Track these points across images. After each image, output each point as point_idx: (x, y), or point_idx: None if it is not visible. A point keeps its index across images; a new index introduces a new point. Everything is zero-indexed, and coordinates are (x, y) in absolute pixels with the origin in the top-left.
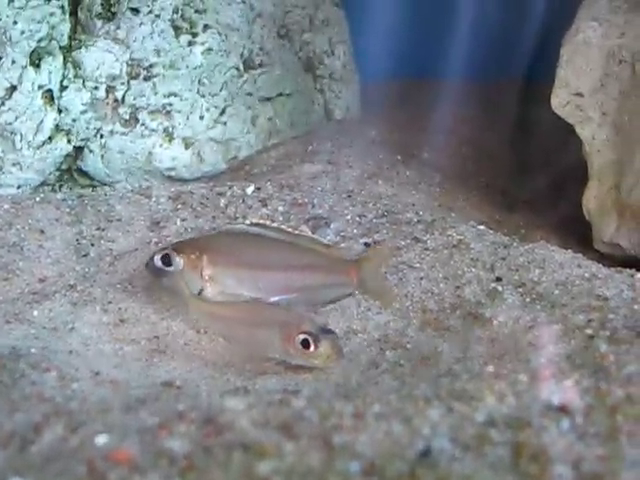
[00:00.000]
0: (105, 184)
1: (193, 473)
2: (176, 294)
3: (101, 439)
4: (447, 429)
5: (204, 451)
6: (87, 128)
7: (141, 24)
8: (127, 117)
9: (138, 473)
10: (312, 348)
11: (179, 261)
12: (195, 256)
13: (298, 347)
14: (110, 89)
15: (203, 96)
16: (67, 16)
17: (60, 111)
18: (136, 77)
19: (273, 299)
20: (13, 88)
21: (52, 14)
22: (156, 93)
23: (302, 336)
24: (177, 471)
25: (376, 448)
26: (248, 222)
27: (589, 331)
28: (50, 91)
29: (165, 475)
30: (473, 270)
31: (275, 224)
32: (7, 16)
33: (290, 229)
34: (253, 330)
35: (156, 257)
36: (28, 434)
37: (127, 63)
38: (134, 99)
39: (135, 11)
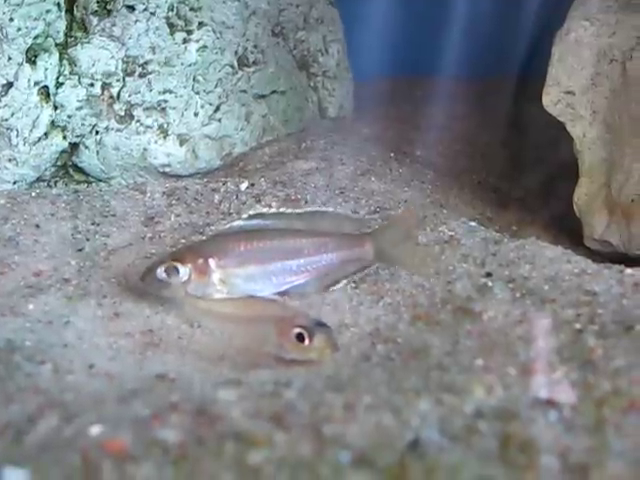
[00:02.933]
0: (100, 180)
1: (186, 462)
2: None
3: (95, 429)
4: (436, 420)
5: (197, 441)
6: (83, 124)
7: (136, 21)
8: (122, 114)
9: (132, 462)
10: (307, 342)
11: (186, 270)
12: (201, 262)
13: (293, 341)
14: (106, 86)
15: (198, 93)
16: (63, 13)
17: (56, 107)
18: (131, 74)
19: (286, 287)
20: (9, 85)
21: (48, 11)
22: (151, 90)
23: (297, 330)
24: (170, 460)
25: (366, 439)
26: (245, 216)
27: (578, 325)
28: (46, 87)
29: (158, 464)
30: (464, 265)
31: (273, 210)
32: (3, 13)
33: (290, 210)
34: (249, 325)
35: (159, 270)
36: (23, 425)
37: (122, 60)
38: (129, 96)
39: (130, 8)
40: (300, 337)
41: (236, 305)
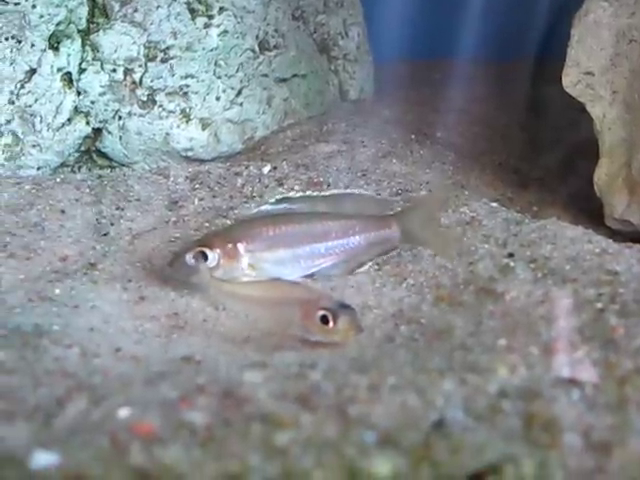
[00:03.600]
0: (123, 165)
1: (213, 444)
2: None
3: (123, 412)
4: (460, 400)
5: (224, 423)
6: (105, 110)
7: (158, 7)
8: (145, 99)
9: (160, 444)
10: (331, 324)
11: (214, 256)
12: (230, 247)
13: (317, 323)
14: (128, 71)
15: (219, 77)
16: (85, 0)
17: (79, 93)
18: (153, 59)
19: (314, 270)
20: (32, 71)
21: None
22: (173, 75)
23: (321, 312)
24: (197, 442)
25: (391, 419)
26: (272, 200)
27: (599, 305)
28: (69, 74)
29: (186, 446)
30: (486, 246)
31: (299, 193)
32: (26, 0)
33: (316, 193)
34: (273, 308)
35: (187, 255)
36: (52, 408)
37: (144, 45)
38: (152, 81)
39: None
40: (324, 319)
41: (261, 288)
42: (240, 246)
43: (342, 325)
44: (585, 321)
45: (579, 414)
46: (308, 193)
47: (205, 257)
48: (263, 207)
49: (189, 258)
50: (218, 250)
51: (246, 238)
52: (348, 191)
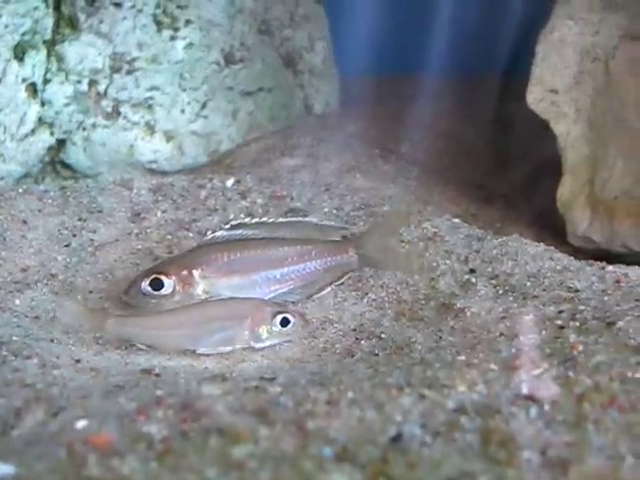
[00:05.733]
0: (87, 176)
1: (170, 457)
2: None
3: (81, 424)
4: (418, 416)
5: (181, 435)
6: (70, 121)
7: (124, 18)
8: (109, 110)
9: (117, 456)
10: (291, 325)
11: (170, 283)
12: (185, 274)
13: (276, 326)
14: (93, 83)
15: (184, 90)
16: (51, 10)
17: (43, 104)
18: (118, 71)
19: (270, 296)
20: None
21: (36, 8)
22: (138, 87)
23: (281, 316)
24: (155, 455)
25: (349, 433)
26: (227, 226)
27: (560, 322)
28: (34, 84)
29: (143, 458)
30: (447, 262)
31: (255, 220)
32: None
33: (272, 219)
34: (215, 324)
35: (143, 283)
36: (9, 419)
37: (110, 57)
38: (116, 92)
39: (118, 5)
40: (285, 321)
41: (194, 309)
42: (195, 272)
43: (297, 323)
44: (545, 338)
45: (537, 431)
46: (263, 219)
47: (161, 284)
48: (218, 233)
49: (145, 286)
50: (174, 277)
51: (201, 265)
52: (304, 219)
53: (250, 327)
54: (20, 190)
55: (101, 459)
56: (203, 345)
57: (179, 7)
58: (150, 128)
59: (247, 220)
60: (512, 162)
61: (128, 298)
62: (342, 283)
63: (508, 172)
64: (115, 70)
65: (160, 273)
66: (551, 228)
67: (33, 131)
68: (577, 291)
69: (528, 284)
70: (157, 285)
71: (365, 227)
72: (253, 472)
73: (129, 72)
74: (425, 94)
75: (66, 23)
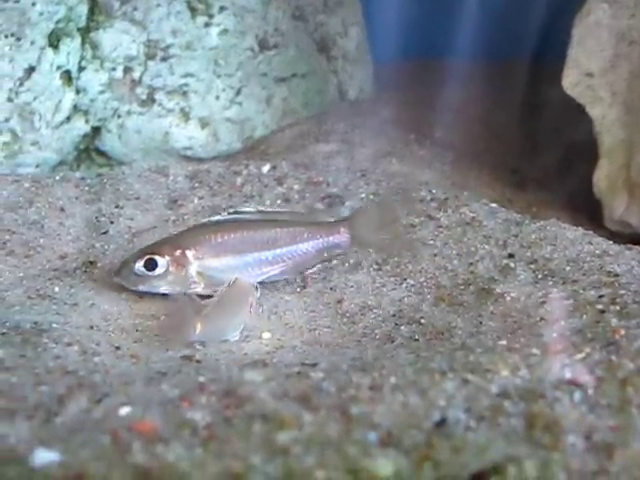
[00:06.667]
0: (122, 163)
1: (215, 443)
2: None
3: (124, 410)
4: (462, 400)
5: (225, 422)
6: (105, 108)
7: (158, 5)
8: (144, 97)
9: (161, 443)
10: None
11: (164, 263)
12: (178, 254)
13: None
14: (127, 70)
15: (219, 77)
16: None
17: (78, 91)
18: (153, 58)
19: (262, 278)
20: (32, 69)
21: None
22: (173, 74)
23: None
24: (199, 441)
25: (393, 419)
26: (224, 213)
27: (600, 306)
28: (68, 72)
29: (188, 445)
30: (486, 247)
31: (253, 208)
32: None
33: (270, 209)
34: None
35: (137, 263)
36: (53, 406)
37: (144, 44)
38: (151, 80)
39: None
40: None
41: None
42: (189, 253)
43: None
44: (586, 322)
45: (581, 415)
46: (261, 208)
47: (155, 264)
48: (213, 217)
49: (138, 266)
50: (167, 257)
51: (195, 245)
52: (300, 211)
53: None
54: (57, 178)
55: (146, 446)
56: None
57: None
58: (185, 115)
59: (246, 209)
60: (544, 146)
61: (119, 279)
62: (380, 269)
63: (540, 156)
64: (150, 57)
65: (153, 253)
66: (587, 212)
67: (68, 119)
68: (617, 275)
69: (567, 268)
70: (151, 265)
71: (357, 208)
72: (298, 457)
73: (164, 59)
74: (457, 79)
75: (100, 10)
